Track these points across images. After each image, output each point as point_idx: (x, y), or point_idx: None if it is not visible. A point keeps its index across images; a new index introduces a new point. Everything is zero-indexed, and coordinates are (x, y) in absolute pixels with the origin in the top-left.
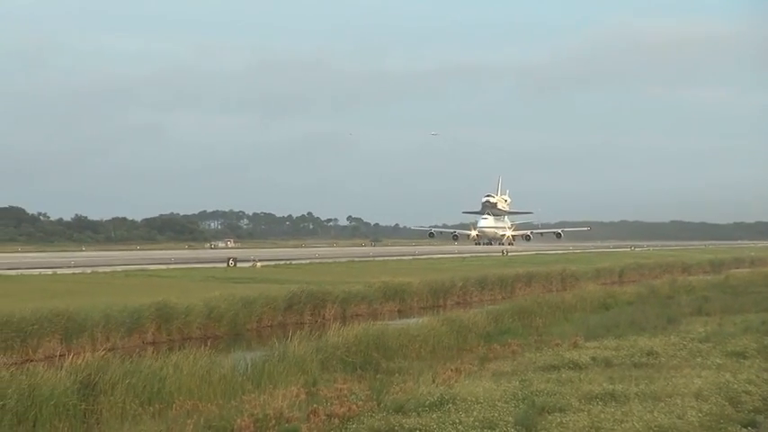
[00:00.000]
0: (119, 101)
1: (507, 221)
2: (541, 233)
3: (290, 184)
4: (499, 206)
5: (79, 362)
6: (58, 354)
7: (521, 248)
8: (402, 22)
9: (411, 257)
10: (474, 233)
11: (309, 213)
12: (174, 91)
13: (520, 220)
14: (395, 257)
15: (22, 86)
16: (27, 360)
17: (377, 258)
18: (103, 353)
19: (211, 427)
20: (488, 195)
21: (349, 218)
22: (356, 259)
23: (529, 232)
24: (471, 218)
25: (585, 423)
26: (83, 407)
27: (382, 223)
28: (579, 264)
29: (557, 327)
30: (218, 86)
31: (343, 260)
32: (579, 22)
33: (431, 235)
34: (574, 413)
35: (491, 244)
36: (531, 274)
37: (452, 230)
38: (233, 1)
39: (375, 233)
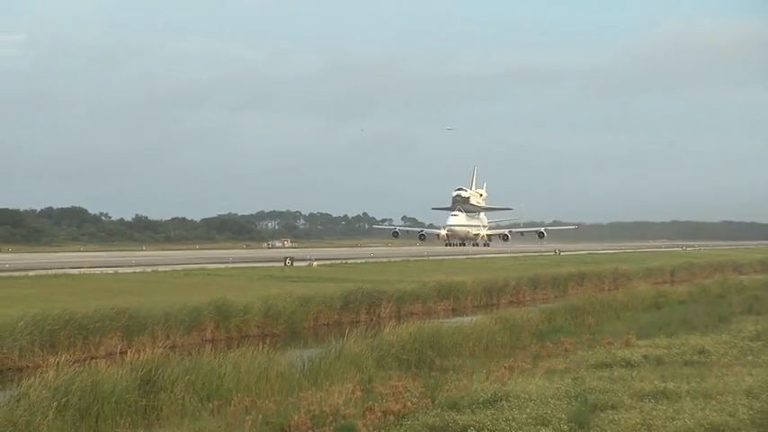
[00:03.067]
0: (189, 104)
1: (483, 219)
2: (522, 232)
3: (347, 184)
4: (472, 201)
5: (140, 359)
6: (119, 351)
7: (495, 249)
8: (470, 27)
9: (465, 257)
10: (443, 232)
11: (365, 213)
12: (244, 94)
13: (498, 217)
14: (449, 257)
15: (97, 89)
16: (89, 357)
17: (431, 258)
18: (163, 350)
19: (269, 424)
20: (459, 189)
21: (403, 218)
22: (411, 259)
23: (507, 231)
24: (443, 214)
25: (637, 420)
26: (143, 403)
27: (437, 223)
28: (631, 263)
29: (609, 325)
30: (288, 90)
31: (398, 259)
32: (642, 23)
33: (395, 234)
34: (626, 410)
35: (463, 244)
36: (583, 273)
37: (420, 229)
38: (305, 6)
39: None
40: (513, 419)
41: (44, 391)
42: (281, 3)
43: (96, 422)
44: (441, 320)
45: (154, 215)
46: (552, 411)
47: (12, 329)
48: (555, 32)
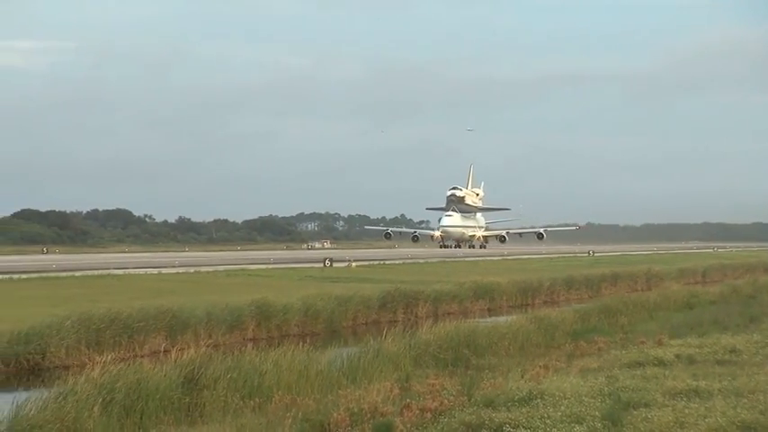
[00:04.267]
0: (235, 108)
1: (480, 219)
2: (520, 233)
3: (386, 187)
4: (468, 201)
5: (183, 357)
6: (162, 349)
7: (493, 250)
8: (511, 33)
9: (500, 258)
10: (437, 233)
11: (402, 215)
12: (289, 99)
13: (494, 217)
14: (485, 258)
15: (146, 94)
16: (134, 356)
17: (467, 259)
18: (206, 349)
19: (309, 421)
20: (454, 188)
21: (440, 220)
22: (447, 259)
23: (504, 232)
24: (438, 215)
25: (670, 418)
26: (186, 400)
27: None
28: (663, 264)
29: (642, 325)
30: (331, 94)
31: (435, 260)
32: (678, 29)
33: (387, 236)
34: (658, 408)
35: (459, 246)
36: (617, 274)
37: (413, 230)
38: (350, 13)
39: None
40: (548, 417)
41: (90, 389)
42: (328, 10)
43: (141, 419)
44: (477, 320)
45: (196, 217)
46: (586, 409)
47: (59, 329)
48: (593, 38)
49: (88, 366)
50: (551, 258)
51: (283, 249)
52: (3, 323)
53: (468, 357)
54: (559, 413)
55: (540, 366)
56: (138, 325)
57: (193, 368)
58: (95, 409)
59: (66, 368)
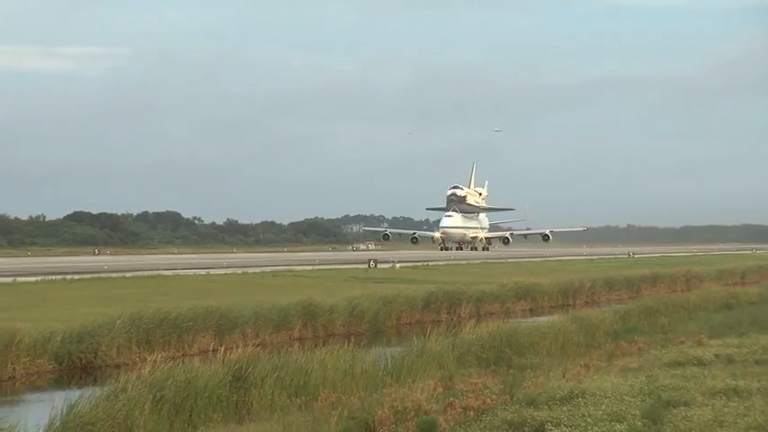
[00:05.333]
0: (284, 113)
1: (483, 220)
2: (525, 235)
3: (431, 190)
4: (469, 201)
5: (231, 356)
6: (211, 349)
7: (499, 252)
8: (556, 40)
9: (542, 259)
10: (437, 234)
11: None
12: (338, 104)
13: (499, 218)
14: (526, 259)
15: (198, 99)
16: (183, 354)
17: (509, 260)
18: (253, 348)
19: (354, 419)
20: (455, 187)
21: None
22: (490, 261)
23: (508, 234)
24: (439, 215)
25: (709, 417)
26: (234, 398)
27: (514, 227)
28: (702, 265)
29: (681, 325)
30: (381, 99)
31: (477, 261)
32: (723, 34)
33: (385, 237)
34: (698, 407)
35: (460, 248)
36: (657, 275)
37: (413, 231)
38: (400, 20)
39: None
40: (589, 416)
41: (141, 387)
42: (377, 17)
43: (190, 416)
44: (518, 320)
45: (244, 219)
46: (627, 408)
47: (110, 328)
48: (637, 44)
49: (139, 365)
50: (592, 260)
51: (329, 251)
52: (56, 322)
53: (510, 357)
54: (600, 412)
55: (580, 366)
56: (187, 324)
57: (241, 367)
58: (146, 406)
59: (118, 367)
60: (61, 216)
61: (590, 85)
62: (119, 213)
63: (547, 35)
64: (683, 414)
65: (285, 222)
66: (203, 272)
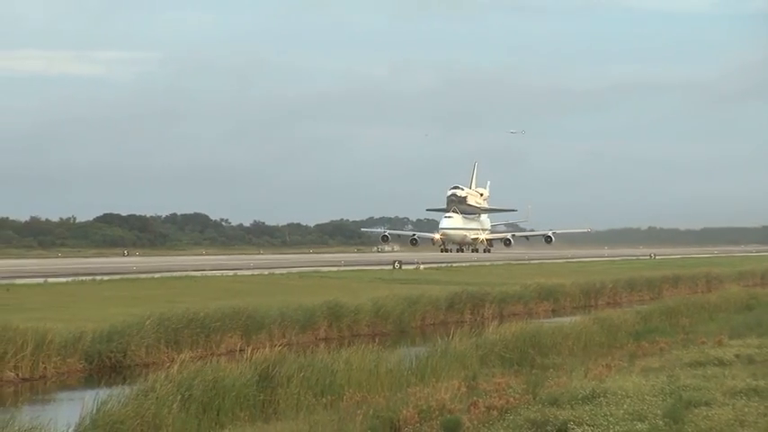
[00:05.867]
0: (311, 116)
1: (485, 221)
2: (527, 237)
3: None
4: (470, 201)
5: (258, 356)
6: (238, 348)
7: (500, 254)
8: (582, 43)
9: (564, 260)
10: (437, 236)
11: (511, 222)
12: (364, 107)
13: (501, 218)
14: (548, 260)
15: (225, 102)
16: (211, 354)
17: (532, 262)
18: (280, 348)
19: (379, 418)
20: (455, 188)
21: (506, 224)
22: (513, 262)
23: (510, 235)
24: (439, 216)
25: (730, 416)
26: (261, 397)
27: (537, 229)
28: (723, 267)
29: (702, 326)
30: (406, 103)
31: (500, 263)
32: (746, 39)
33: (384, 238)
34: (719, 407)
35: (461, 250)
36: (678, 276)
37: (412, 233)
38: (426, 24)
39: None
40: (611, 415)
41: (169, 386)
42: (402, 22)
43: (218, 415)
44: (541, 321)
45: (271, 221)
46: (648, 407)
47: (139, 328)
48: (659, 48)
49: (167, 364)
50: (613, 261)
51: (354, 252)
52: (86, 323)
53: (533, 357)
54: (622, 411)
55: (602, 366)
56: (214, 325)
57: (268, 366)
58: (174, 405)
59: (146, 366)
60: (91, 218)
61: (612, 89)
62: (147, 215)
63: (570, 40)
64: (704, 414)
65: (311, 224)
66: (231, 273)
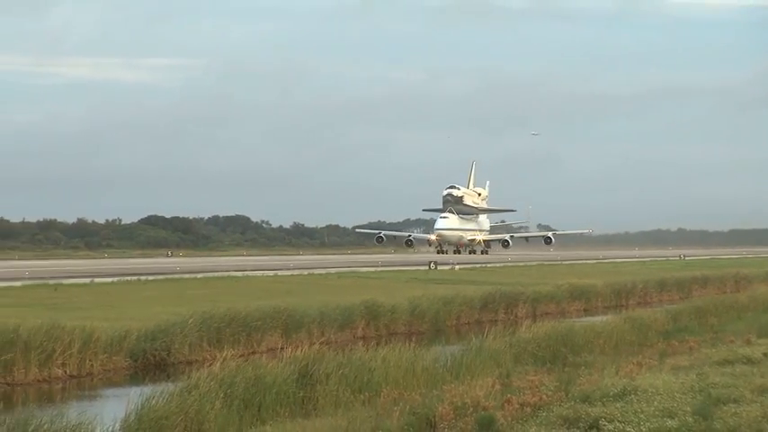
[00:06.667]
0: (351, 121)
1: (484, 222)
2: (527, 238)
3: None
4: (467, 201)
5: (298, 354)
6: (279, 347)
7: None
8: (616, 49)
9: (595, 261)
10: (433, 237)
11: (502, 221)
12: (403, 112)
13: (500, 219)
14: (580, 261)
15: (268, 107)
16: (252, 352)
17: (564, 262)
18: (319, 346)
19: (415, 414)
20: (451, 187)
21: (539, 225)
22: (545, 263)
23: (508, 236)
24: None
25: (758, 413)
26: (301, 394)
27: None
28: (751, 267)
29: (731, 325)
30: (444, 107)
31: (533, 264)
32: None
33: (379, 240)
34: (747, 404)
35: (458, 251)
36: (707, 276)
37: (407, 234)
38: (463, 31)
39: (562, 240)
40: (642, 412)
41: (212, 383)
42: (440, 28)
43: (259, 411)
44: (573, 320)
45: (310, 223)
46: (678, 405)
47: (182, 327)
48: (691, 54)
49: (209, 362)
50: (644, 262)
51: (391, 253)
52: (132, 321)
53: (566, 355)
54: (652, 408)
55: (633, 364)
56: (255, 323)
57: (307, 364)
58: (217, 402)
59: (189, 363)
60: (136, 220)
61: (645, 94)
62: (191, 217)
63: (603, 46)
64: (733, 411)
65: (349, 226)
66: (271, 273)
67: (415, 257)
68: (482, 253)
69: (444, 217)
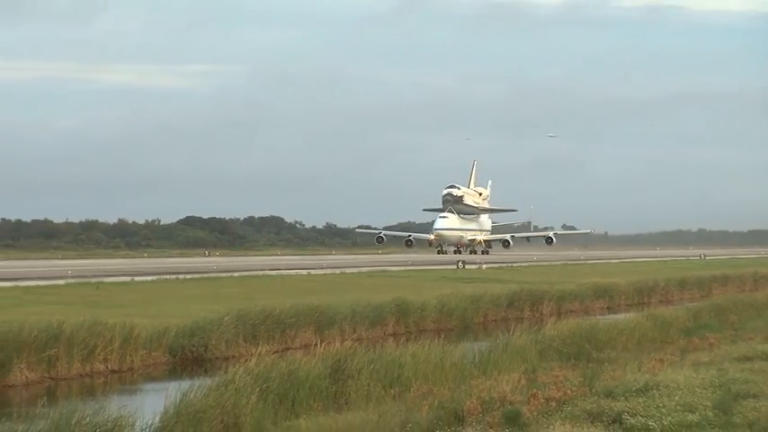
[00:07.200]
0: (383, 125)
1: (485, 222)
2: (527, 238)
3: (516, 195)
4: (467, 201)
5: (330, 350)
6: (312, 343)
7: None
8: (641, 55)
9: (618, 261)
10: (433, 237)
11: (529, 222)
12: (434, 116)
13: (503, 219)
14: (603, 261)
15: (304, 112)
16: (286, 348)
17: (588, 262)
18: (350, 342)
19: (444, 408)
20: (451, 187)
21: (563, 226)
22: (569, 263)
23: (509, 237)
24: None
25: None
26: (333, 389)
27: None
28: None
29: (750, 322)
30: (474, 112)
31: (558, 263)
32: None
33: (379, 240)
34: (766, 399)
35: (458, 251)
36: (726, 275)
37: (407, 234)
38: (494, 36)
39: (586, 240)
40: (664, 406)
41: (248, 378)
42: (472, 35)
43: (293, 405)
44: (597, 318)
45: (342, 223)
46: (699, 399)
47: (219, 324)
48: (716, 59)
49: (245, 358)
50: (665, 261)
51: (420, 253)
52: (170, 318)
53: (589, 351)
54: (674, 402)
55: (655, 360)
56: (289, 320)
57: (339, 360)
58: (252, 396)
59: (226, 359)
60: (174, 220)
61: (667, 99)
62: (227, 218)
63: (629, 52)
64: (752, 405)
65: (380, 226)
66: (305, 272)
67: (443, 257)
68: (483, 253)
69: (444, 217)
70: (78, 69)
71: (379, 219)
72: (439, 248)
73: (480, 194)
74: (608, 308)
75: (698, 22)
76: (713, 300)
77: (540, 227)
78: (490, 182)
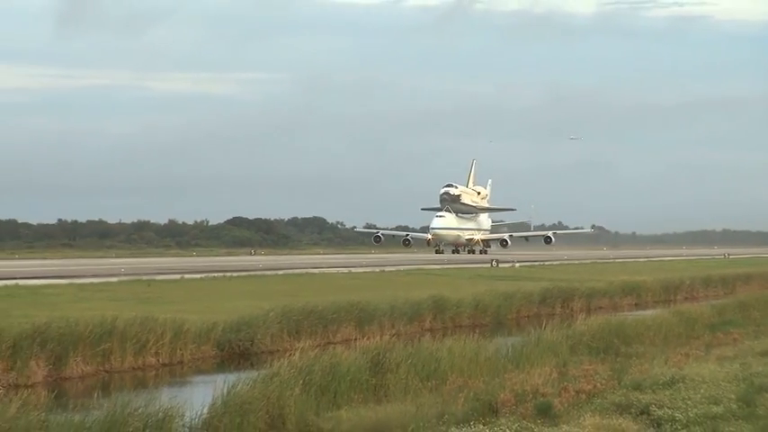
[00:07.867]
0: (422, 130)
1: (484, 221)
2: (526, 237)
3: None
4: (465, 200)
5: (370, 345)
6: (353, 338)
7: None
8: (671, 62)
9: (645, 259)
10: (430, 236)
11: (560, 222)
12: (471, 122)
13: (502, 218)
14: (631, 259)
15: (346, 117)
16: (328, 343)
17: (617, 260)
18: (389, 337)
19: (479, 400)
20: (447, 186)
21: (593, 226)
22: (599, 261)
23: (507, 236)
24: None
25: None
26: (373, 382)
27: (621, 231)
28: None
29: None
30: (510, 118)
31: (588, 262)
32: None
33: (377, 239)
34: None
35: (457, 251)
36: (750, 273)
37: (405, 233)
38: (530, 44)
39: (615, 240)
40: (689, 399)
41: (292, 371)
42: (508, 43)
43: (334, 397)
44: (625, 314)
45: (381, 224)
46: (723, 392)
47: (264, 320)
48: (741, 66)
49: (289, 352)
50: (690, 260)
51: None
52: (218, 314)
53: (618, 346)
54: (699, 395)
55: (681, 354)
56: (331, 316)
57: (379, 354)
58: (296, 388)
59: (271, 353)
60: (222, 221)
61: (695, 104)
62: (272, 218)
63: (656, 59)
64: None
65: (417, 226)
66: (345, 270)
67: (477, 255)
68: (481, 252)
69: (440, 216)
70: (133, 77)
71: (417, 219)
72: (437, 248)
73: (479, 193)
74: (636, 304)
75: (723, 31)
76: (737, 297)
77: (572, 227)
78: (490, 181)
